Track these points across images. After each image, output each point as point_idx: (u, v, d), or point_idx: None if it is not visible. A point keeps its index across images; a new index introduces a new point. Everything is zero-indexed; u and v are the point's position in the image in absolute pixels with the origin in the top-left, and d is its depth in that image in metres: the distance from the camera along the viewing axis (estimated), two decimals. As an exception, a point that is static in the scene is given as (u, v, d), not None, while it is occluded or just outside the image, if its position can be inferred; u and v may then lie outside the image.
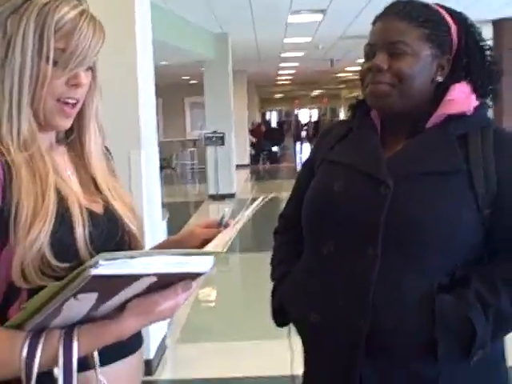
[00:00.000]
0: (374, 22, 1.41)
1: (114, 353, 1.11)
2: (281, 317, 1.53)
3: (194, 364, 4.03)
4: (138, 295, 0.99)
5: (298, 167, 19.43)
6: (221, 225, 1.19)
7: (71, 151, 1.23)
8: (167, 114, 19.82)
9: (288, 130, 24.57)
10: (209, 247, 1.10)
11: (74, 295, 0.92)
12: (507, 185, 1.31)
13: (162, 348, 4.09)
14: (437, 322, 1.26)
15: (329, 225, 1.39)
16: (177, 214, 10.06)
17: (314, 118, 28.82)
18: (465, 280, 1.30)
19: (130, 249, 1.20)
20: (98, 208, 1.18)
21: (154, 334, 3.89)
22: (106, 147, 1.32)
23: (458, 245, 1.30)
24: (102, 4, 3.52)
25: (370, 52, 1.38)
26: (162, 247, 1.30)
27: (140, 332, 1.17)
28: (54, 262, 1.03)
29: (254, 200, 1.18)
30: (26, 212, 1.03)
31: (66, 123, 1.15)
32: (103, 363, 1.08)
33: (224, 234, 1.14)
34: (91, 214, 1.13)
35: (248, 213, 1.16)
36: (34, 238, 1.02)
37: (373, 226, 1.31)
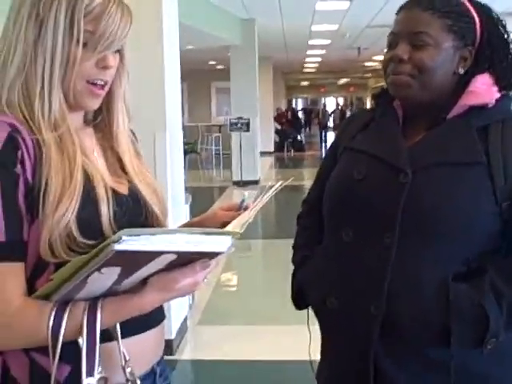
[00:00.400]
0: (398, 12, 1.41)
1: (136, 326, 1.14)
2: (300, 300, 1.55)
3: (213, 346, 4.09)
4: (158, 271, 1.03)
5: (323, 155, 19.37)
6: (241, 208, 1.23)
7: (98, 132, 1.26)
8: (193, 99, 19.86)
9: (316, 117, 24.33)
10: (228, 228, 1.14)
11: (99, 269, 0.96)
12: None
13: (183, 329, 4.15)
14: (451, 309, 1.27)
15: (348, 212, 1.41)
16: (201, 198, 10.11)
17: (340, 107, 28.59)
18: (481, 270, 1.31)
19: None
20: (123, 189, 1.20)
21: (176, 314, 3.94)
22: (131, 130, 1.34)
23: (474, 235, 1.31)
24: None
25: (393, 41, 1.39)
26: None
27: (162, 307, 1.21)
28: (80, 238, 1.06)
29: (271, 187, 1.21)
30: (54, 189, 1.06)
31: (95, 104, 1.18)
32: (125, 335, 1.12)
33: (242, 216, 1.18)
34: (116, 194, 1.16)
35: (266, 197, 1.19)
36: (62, 214, 1.05)
37: (390, 214, 1.32)
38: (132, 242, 0.93)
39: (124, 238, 0.92)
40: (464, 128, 1.35)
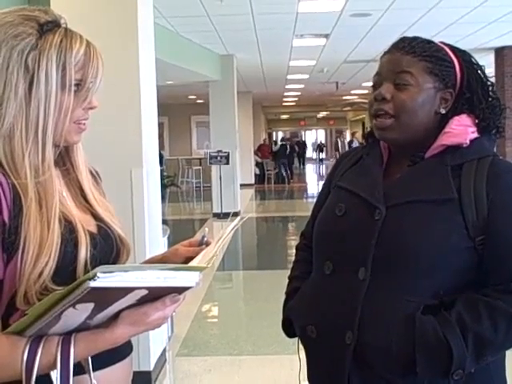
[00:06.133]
0: (382, 57, 1.50)
1: (105, 359, 1.18)
2: (289, 328, 1.61)
3: (192, 377, 4.07)
4: (130, 306, 1.07)
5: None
6: (202, 243, 1.28)
7: (61, 167, 1.29)
8: (174, 132, 19.96)
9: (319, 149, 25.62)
10: (193, 263, 1.17)
11: (73, 305, 0.99)
12: (497, 212, 1.35)
13: (161, 360, 4.14)
14: (417, 341, 1.31)
15: (329, 246, 1.49)
16: (181, 231, 10.14)
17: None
18: (451, 303, 1.34)
19: (123, 254, 1.30)
20: (93, 226, 1.25)
21: (154, 346, 3.92)
22: (95, 170, 1.40)
23: (444, 270, 1.35)
24: (105, 26, 3.69)
25: (378, 82, 1.48)
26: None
27: (130, 340, 1.24)
28: (53, 286, 1.10)
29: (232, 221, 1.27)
30: (32, 245, 1.10)
31: (80, 138, 1.25)
32: (95, 368, 1.15)
33: (207, 252, 1.22)
34: (91, 236, 1.20)
35: (228, 232, 1.23)
36: (39, 272, 1.09)
37: (364, 250, 1.39)
38: (106, 278, 0.96)
39: (99, 274, 0.95)
40: (439, 166, 1.41)
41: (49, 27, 1.17)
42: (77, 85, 1.18)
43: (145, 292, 1.03)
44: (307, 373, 1.57)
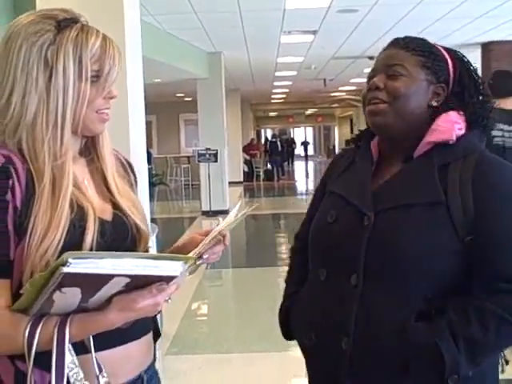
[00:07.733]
0: (378, 55, 1.55)
1: (113, 339, 1.25)
2: (287, 332, 1.64)
3: (182, 376, 4.06)
4: (121, 291, 1.11)
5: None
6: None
7: (86, 157, 1.37)
8: (162, 131, 19.89)
9: None
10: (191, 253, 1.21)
11: (58, 288, 1.04)
12: (485, 212, 1.36)
13: (150, 359, 4.13)
14: (409, 347, 1.32)
15: (322, 253, 1.52)
16: (170, 229, 10.12)
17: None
18: (441, 307, 1.35)
19: (140, 243, 1.35)
20: (108, 214, 1.31)
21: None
22: (128, 162, 1.48)
23: (435, 274, 1.36)
24: (91, 24, 3.64)
25: (372, 76, 1.51)
26: None
27: (146, 319, 1.28)
28: None
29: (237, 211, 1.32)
30: (40, 228, 1.17)
31: (104, 127, 1.33)
32: (104, 348, 1.23)
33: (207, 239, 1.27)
34: (101, 224, 1.26)
35: (232, 219, 1.29)
36: (44, 251, 1.16)
37: (355, 256, 1.40)
38: (79, 265, 0.99)
39: (70, 260, 0.99)
40: (426, 168, 1.42)
41: (66, 23, 1.25)
42: (95, 76, 1.25)
43: (127, 280, 1.06)
44: (308, 380, 1.58)
